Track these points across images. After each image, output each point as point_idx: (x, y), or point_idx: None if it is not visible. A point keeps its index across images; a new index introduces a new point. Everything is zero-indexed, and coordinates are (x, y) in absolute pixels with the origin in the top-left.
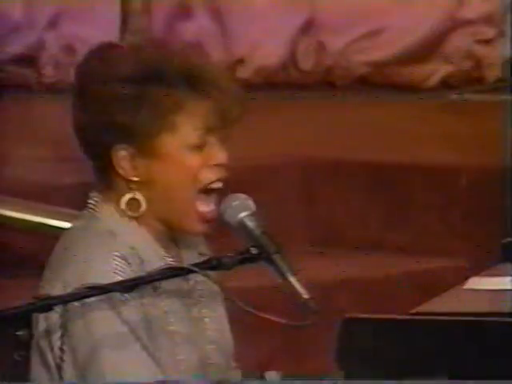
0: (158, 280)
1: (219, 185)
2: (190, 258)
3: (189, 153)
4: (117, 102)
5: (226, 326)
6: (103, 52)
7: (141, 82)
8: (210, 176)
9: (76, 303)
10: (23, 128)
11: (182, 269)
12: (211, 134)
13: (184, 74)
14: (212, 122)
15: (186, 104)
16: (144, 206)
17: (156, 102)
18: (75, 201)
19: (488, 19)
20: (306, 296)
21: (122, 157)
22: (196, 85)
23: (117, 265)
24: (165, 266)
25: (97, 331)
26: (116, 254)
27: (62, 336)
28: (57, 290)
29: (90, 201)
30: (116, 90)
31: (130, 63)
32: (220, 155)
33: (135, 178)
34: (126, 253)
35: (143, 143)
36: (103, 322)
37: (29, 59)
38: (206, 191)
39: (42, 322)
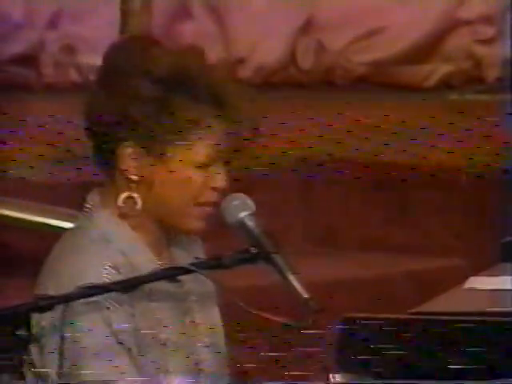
0: (156, 280)
1: (212, 207)
2: (183, 261)
3: (193, 169)
4: (139, 100)
5: (220, 331)
6: (139, 45)
7: (168, 86)
8: (206, 198)
9: (66, 312)
10: (23, 128)
11: (180, 269)
12: (220, 156)
13: (211, 92)
14: (223, 144)
15: (206, 121)
16: (139, 205)
17: (178, 110)
18: (75, 201)
19: (488, 19)
20: (305, 295)
21: (128, 154)
22: (219, 105)
23: (107, 274)
24: (164, 267)
25: (84, 340)
26: (108, 263)
27: (52, 342)
28: (50, 293)
29: (86, 204)
30: (142, 88)
31: (164, 64)
32: (222, 179)
33: (135, 178)
34: (118, 261)
35: (152, 147)
36: (91, 331)
37: (29, 59)
38: (200, 207)
39: (33, 328)
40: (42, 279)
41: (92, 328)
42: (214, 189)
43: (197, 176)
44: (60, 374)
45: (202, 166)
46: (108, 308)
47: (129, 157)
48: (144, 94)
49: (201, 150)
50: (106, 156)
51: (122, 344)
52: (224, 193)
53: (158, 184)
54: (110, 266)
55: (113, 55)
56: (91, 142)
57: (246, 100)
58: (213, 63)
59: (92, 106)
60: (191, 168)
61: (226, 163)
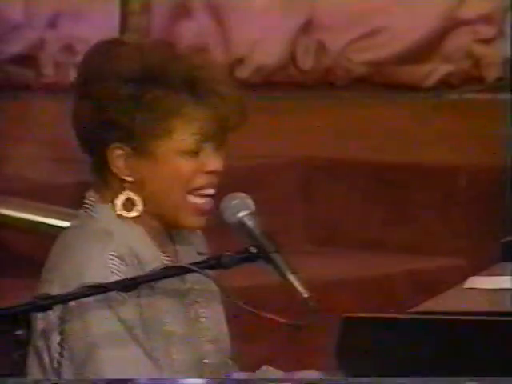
0: (157, 280)
1: (211, 191)
2: (187, 256)
3: (183, 158)
4: (116, 101)
5: (224, 326)
6: (108, 48)
7: (142, 83)
8: (202, 182)
9: (74, 302)
10: (23, 128)
11: (181, 268)
12: (207, 141)
13: (186, 79)
14: (209, 128)
15: (185, 109)
16: (140, 205)
17: (155, 104)
18: (74, 200)
19: (487, 19)
20: (305, 295)
21: (117, 156)
22: (196, 90)
23: (114, 264)
24: (164, 266)
25: (94, 330)
26: (113, 253)
27: (60, 335)
28: (55, 289)
29: (86, 201)
30: (117, 89)
31: (134, 62)
32: (214, 162)
33: (129, 178)
34: (123, 252)
35: (139, 144)
36: (100, 320)
37: (29, 59)
38: (198, 196)
39: (39, 321)
40: (46, 277)
41: (101, 316)
42: (208, 173)
43: (187, 165)
44: (71, 365)
45: (191, 154)
46: (115, 296)
47: (118, 158)
48: (118, 94)
49: (186, 137)
50: (97, 159)
51: (131, 332)
52: (220, 176)
53: (150, 181)
54: (115, 256)
55: (85, 62)
56: (82, 148)
57: (227, 84)
58: (185, 52)
59: (74, 112)
60: (180, 157)
61: (219, 146)
